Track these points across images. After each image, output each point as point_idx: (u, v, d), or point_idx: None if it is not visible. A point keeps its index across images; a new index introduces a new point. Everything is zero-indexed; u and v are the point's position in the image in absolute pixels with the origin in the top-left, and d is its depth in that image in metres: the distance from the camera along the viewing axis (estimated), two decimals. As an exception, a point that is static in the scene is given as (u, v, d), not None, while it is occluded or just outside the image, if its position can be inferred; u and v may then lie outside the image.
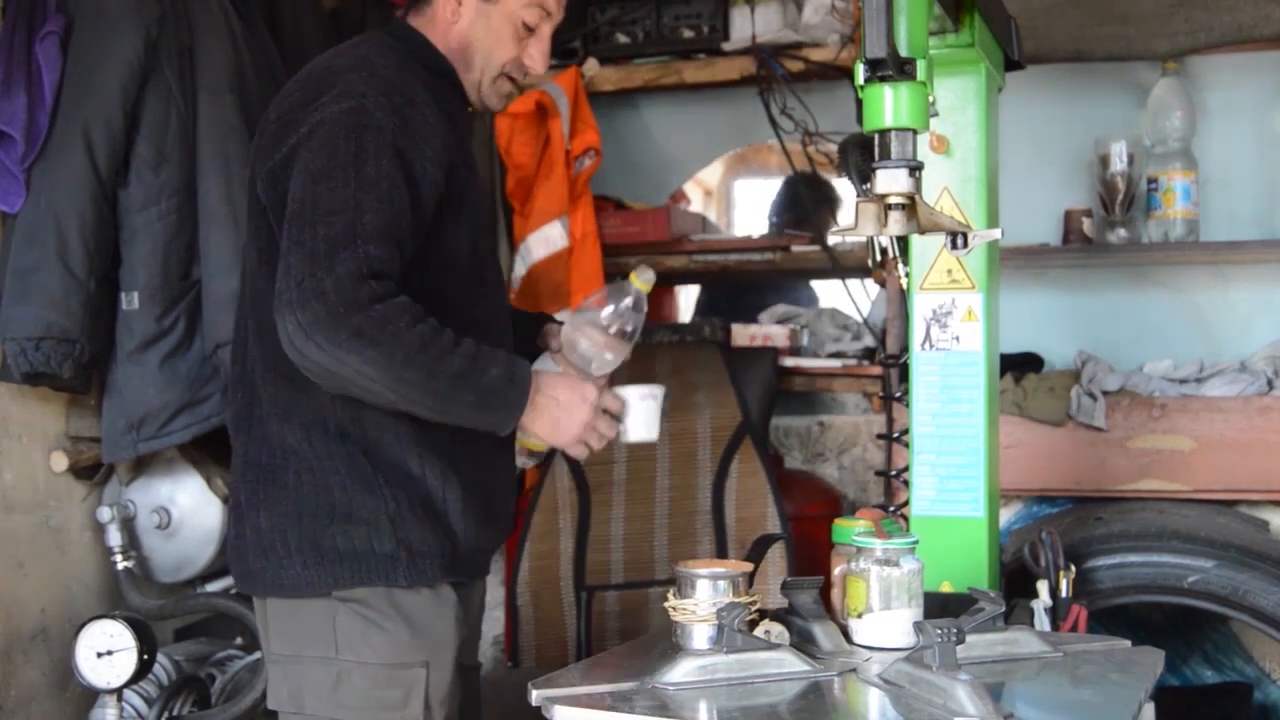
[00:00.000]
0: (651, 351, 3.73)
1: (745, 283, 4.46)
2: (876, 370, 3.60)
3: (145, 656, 2.50)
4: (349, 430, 1.97)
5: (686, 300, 5.01)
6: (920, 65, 1.67)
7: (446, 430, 1.98)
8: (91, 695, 2.59)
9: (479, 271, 2.07)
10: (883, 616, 1.80)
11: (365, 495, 1.96)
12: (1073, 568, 2.33)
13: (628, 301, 2.17)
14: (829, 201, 4.27)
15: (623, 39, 3.82)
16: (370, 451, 1.97)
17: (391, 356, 1.80)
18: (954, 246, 1.80)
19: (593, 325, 2.18)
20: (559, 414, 1.97)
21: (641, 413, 2.07)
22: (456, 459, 2.02)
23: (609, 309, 2.17)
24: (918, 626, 1.64)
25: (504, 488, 2.16)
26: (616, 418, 2.05)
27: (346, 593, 1.96)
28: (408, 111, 1.93)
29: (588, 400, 1.99)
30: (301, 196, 1.87)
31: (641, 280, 2.15)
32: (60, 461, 2.75)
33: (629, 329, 2.18)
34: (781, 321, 3.93)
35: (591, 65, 3.78)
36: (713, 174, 5.30)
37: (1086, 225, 3.33)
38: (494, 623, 3.52)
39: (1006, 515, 3.20)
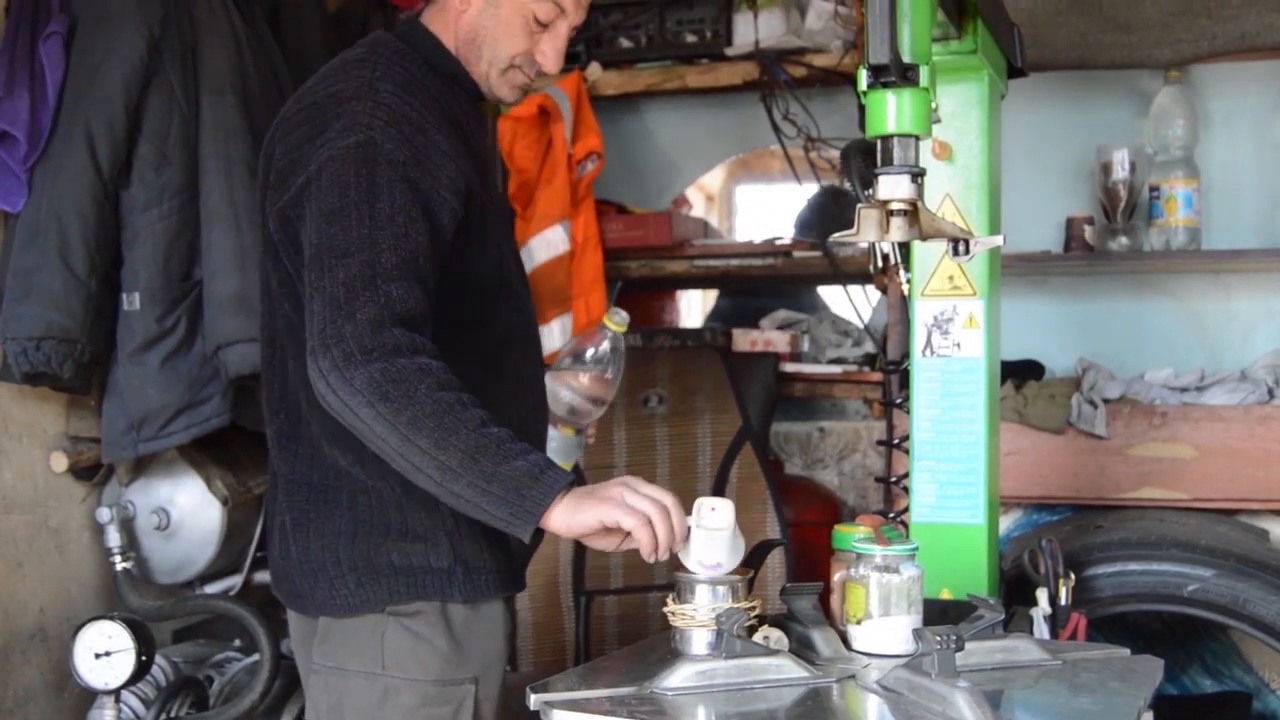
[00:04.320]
0: (652, 356, 3.73)
1: (747, 288, 4.46)
2: (877, 376, 3.61)
3: (143, 658, 2.50)
4: None
5: (689, 305, 5.02)
6: (923, 71, 1.67)
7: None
8: (89, 696, 2.59)
9: (505, 285, 2.02)
10: (882, 623, 1.80)
11: (423, 513, 1.90)
12: (1072, 575, 2.33)
13: (605, 345, 2.15)
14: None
15: (626, 43, 3.82)
16: None
17: (398, 414, 1.70)
18: (955, 253, 1.80)
19: (573, 374, 2.16)
20: (583, 502, 1.75)
21: (703, 542, 1.79)
22: None
23: (588, 354, 2.15)
24: (917, 633, 1.64)
25: None
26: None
27: (400, 607, 1.91)
28: (418, 140, 1.86)
29: (619, 480, 1.78)
30: (317, 240, 1.80)
31: (615, 323, 2.12)
32: (60, 462, 2.75)
33: (609, 373, 2.16)
34: (782, 327, 3.93)
35: (594, 69, 3.79)
36: (715, 179, 5.31)
37: (1088, 233, 3.33)
38: (492, 626, 3.52)
39: (1006, 522, 3.19)
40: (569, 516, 1.74)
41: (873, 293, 3.84)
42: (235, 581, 2.95)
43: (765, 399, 3.62)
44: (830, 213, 4.00)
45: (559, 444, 2.20)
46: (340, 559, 1.92)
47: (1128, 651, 1.87)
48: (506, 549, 1.98)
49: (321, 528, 1.93)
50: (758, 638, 1.75)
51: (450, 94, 2.01)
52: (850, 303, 3.82)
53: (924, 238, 1.74)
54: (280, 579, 2.02)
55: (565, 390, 2.17)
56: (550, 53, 2.02)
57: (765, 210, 5.10)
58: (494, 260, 1.98)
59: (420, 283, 1.80)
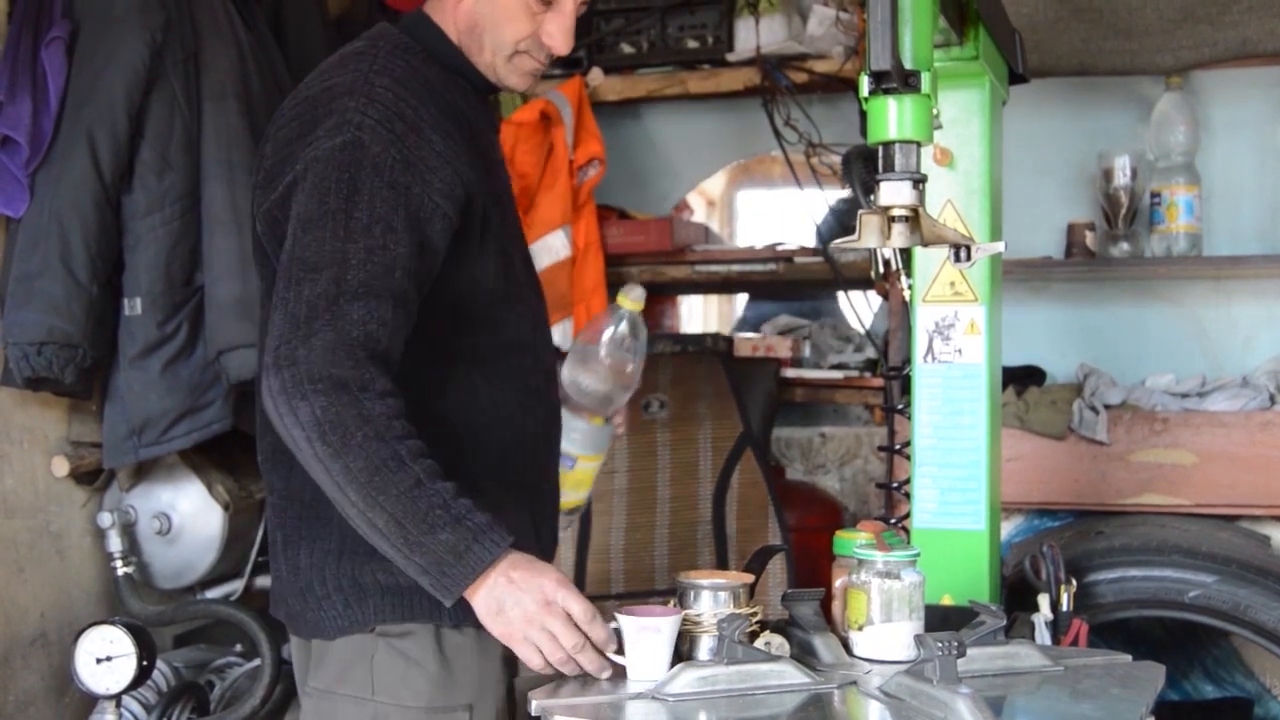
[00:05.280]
0: (653, 361, 3.73)
1: (769, 293, 4.44)
2: (878, 382, 3.61)
3: (144, 662, 2.50)
4: None
5: (689, 310, 5.02)
6: (924, 78, 1.67)
7: (495, 451, 1.86)
8: (90, 701, 2.59)
9: (510, 289, 1.92)
10: (883, 629, 1.80)
11: None
12: (1074, 581, 2.32)
13: (624, 326, 2.05)
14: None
15: (627, 49, 3.82)
16: None
17: (333, 460, 1.64)
18: (957, 259, 1.79)
19: (592, 359, 2.04)
20: (504, 596, 1.68)
21: (640, 648, 1.70)
22: (510, 487, 1.88)
23: (605, 336, 2.03)
24: (918, 639, 1.64)
25: (553, 508, 2.05)
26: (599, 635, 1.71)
27: (390, 627, 1.82)
28: (411, 141, 1.76)
29: (543, 592, 1.68)
30: (290, 248, 1.72)
31: (631, 300, 2.01)
32: (61, 466, 2.75)
33: (631, 355, 2.04)
34: (784, 332, 3.93)
35: (596, 75, 3.79)
36: (716, 184, 5.30)
37: (1089, 239, 3.33)
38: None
39: (1007, 528, 3.19)
40: (490, 615, 1.69)
41: (874, 298, 3.84)
42: (236, 586, 2.95)
43: (766, 404, 3.62)
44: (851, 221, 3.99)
45: (585, 435, 2.07)
46: (326, 578, 1.84)
47: (1129, 657, 1.87)
48: None
49: (311, 545, 1.86)
50: (759, 643, 1.75)
51: (455, 88, 1.90)
52: (852, 308, 3.83)
53: (925, 244, 1.74)
54: (278, 600, 1.96)
55: (586, 378, 2.05)
56: (558, 33, 1.88)
57: (767, 216, 5.10)
58: (498, 268, 1.89)
59: (392, 298, 1.71)
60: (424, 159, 1.77)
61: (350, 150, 1.73)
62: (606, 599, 3.40)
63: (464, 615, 1.80)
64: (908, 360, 2.25)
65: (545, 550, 2.01)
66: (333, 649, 1.86)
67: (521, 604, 1.67)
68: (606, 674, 1.71)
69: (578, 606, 1.68)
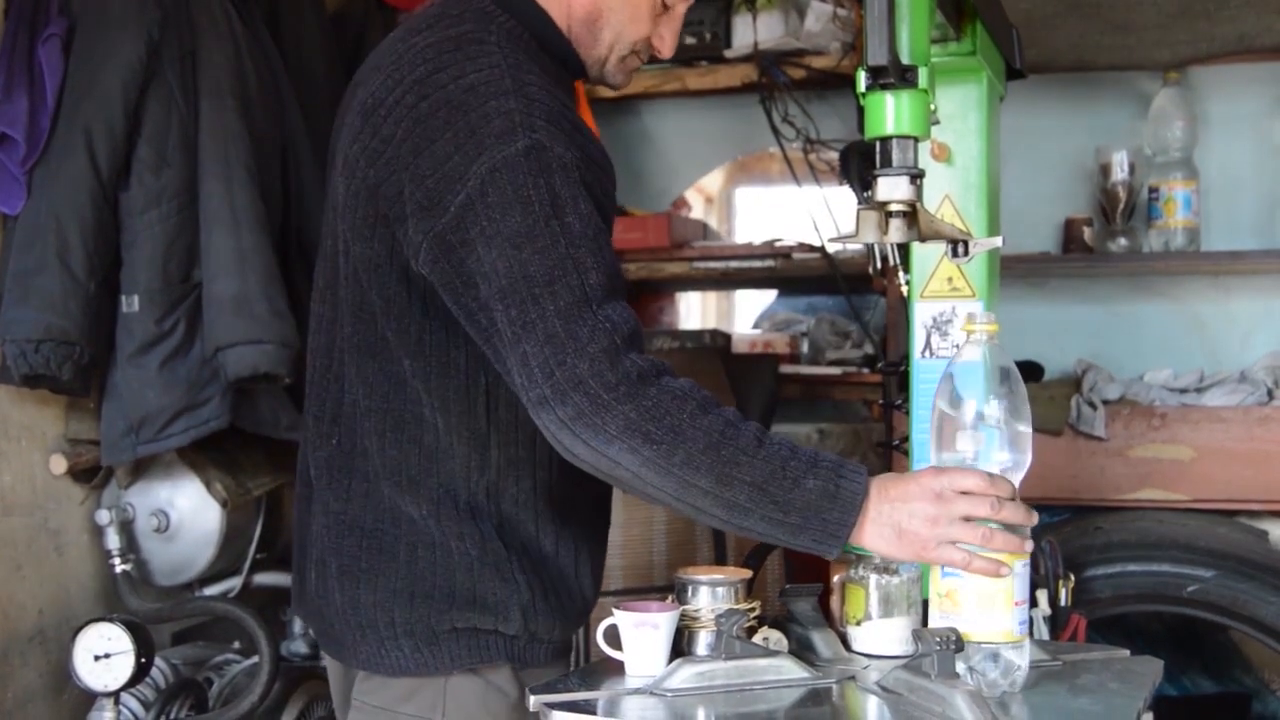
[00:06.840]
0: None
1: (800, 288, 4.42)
2: (876, 378, 3.61)
3: (143, 660, 2.50)
4: (482, 505, 1.71)
5: (688, 307, 5.01)
6: (922, 73, 1.67)
7: (585, 497, 1.80)
8: (88, 698, 2.58)
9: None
10: (881, 624, 1.80)
11: (497, 581, 1.71)
12: (1072, 577, 2.33)
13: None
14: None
15: (625, 45, 3.82)
16: (504, 529, 1.72)
17: (669, 457, 1.52)
18: (954, 254, 1.80)
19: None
20: (893, 516, 1.58)
21: (638, 643, 1.70)
22: (588, 526, 1.84)
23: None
24: (916, 634, 1.64)
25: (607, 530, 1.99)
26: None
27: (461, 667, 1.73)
28: (578, 139, 1.65)
29: (927, 489, 1.59)
30: (507, 269, 1.56)
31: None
32: (59, 464, 2.74)
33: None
34: (782, 328, 3.93)
35: (593, 71, 3.78)
36: (714, 181, 5.30)
37: (1087, 234, 3.33)
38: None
39: (1006, 524, 3.19)
40: (891, 544, 1.59)
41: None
42: (234, 583, 2.95)
43: (765, 401, 3.62)
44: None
45: None
46: (395, 620, 1.71)
47: (1127, 652, 1.87)
48: (585, 610, 1.85)
49: (374, 581, 1.72)
50: (757, 639, 1.75)
51: (562, 77, 1.80)
52: (850, 304, 3.83)
53: (923, 239, 1.74)
54: (315, 616, 1.83)
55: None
56: (668, 36, 1.84)
57: (764, 212, 5.10)
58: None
59: (624, 297, 1.62)
60: (593, 158, 1.69)
61: (535, 155, 1.59)
62: (605, 595, 3.40)
63: (529, 660, 1.75)
64: (906, 356, 2.25)
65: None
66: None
67: (915, 514, 1.58)
68: (1033, 519, 1.58)
69: (969, 479, 1.58)
